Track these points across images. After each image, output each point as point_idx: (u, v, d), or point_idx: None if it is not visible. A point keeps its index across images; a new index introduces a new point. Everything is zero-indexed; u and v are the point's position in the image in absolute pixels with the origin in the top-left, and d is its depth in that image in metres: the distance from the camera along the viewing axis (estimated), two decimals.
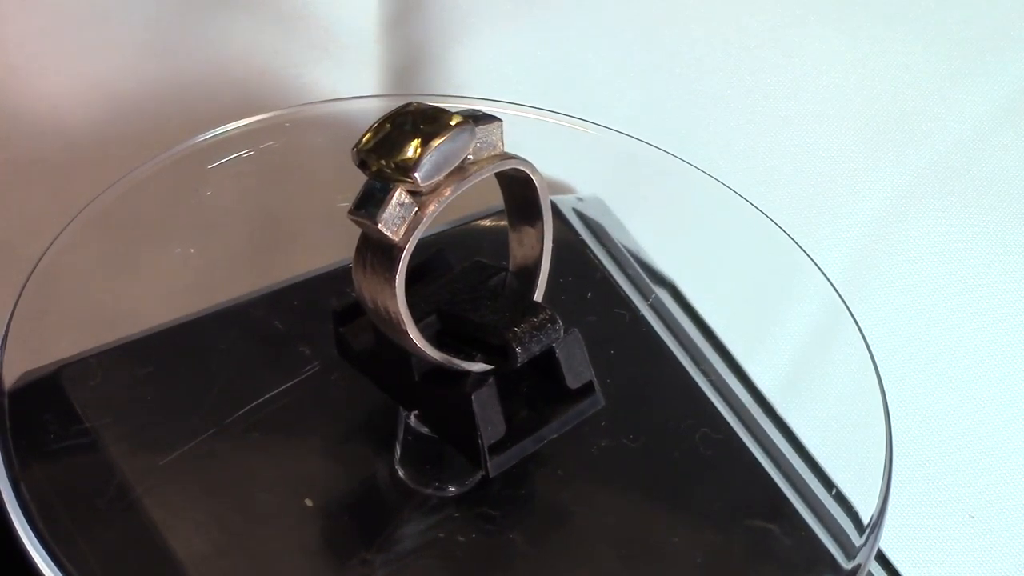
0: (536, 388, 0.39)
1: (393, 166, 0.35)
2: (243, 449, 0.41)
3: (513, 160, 0.37)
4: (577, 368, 0.39)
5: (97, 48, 0.55)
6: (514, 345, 0.37)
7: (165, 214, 0.47)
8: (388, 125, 0.36)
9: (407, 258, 0.36)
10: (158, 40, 0.55)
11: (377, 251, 0.36)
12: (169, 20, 0.55)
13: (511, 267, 0.40)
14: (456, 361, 0.38)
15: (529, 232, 0.39)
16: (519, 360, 0.38)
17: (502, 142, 0.36)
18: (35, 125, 0.53)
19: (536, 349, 0.38)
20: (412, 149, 0.35)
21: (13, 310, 0.41)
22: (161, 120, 0.54)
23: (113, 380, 0.42)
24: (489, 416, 0.38)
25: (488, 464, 0.38)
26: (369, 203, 0.35)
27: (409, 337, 0.37)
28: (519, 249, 0.39)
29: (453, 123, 0.35)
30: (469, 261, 0.40)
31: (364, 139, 0.36)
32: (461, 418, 0.38)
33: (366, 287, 0.37)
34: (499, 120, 0.36)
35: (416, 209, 0.35)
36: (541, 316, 0.38)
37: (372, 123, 0.36)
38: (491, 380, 0.38)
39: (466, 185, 0.36)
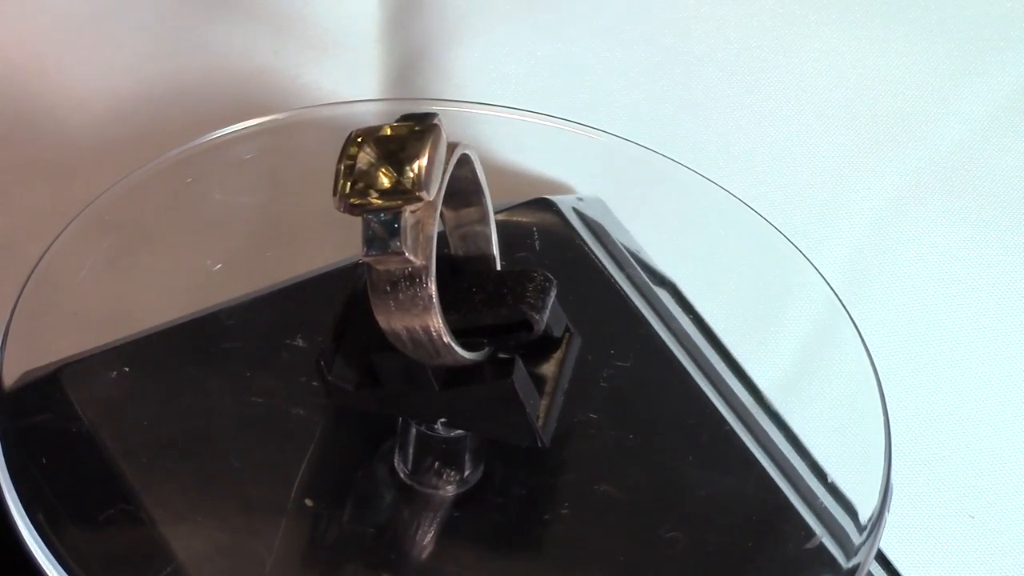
0: (523, 349, 0.39)
1: (385, 194, 0.35)
2: (243, 449, 0.41)
3: (460, 145, 0.37)
4: (558, 317, 0.40)
5: (97, 48, 0.55)
6: (534, 315, 0.38)
7: (165, 214, 0.47)
8: (351, 164, 0.35)
9: (434, 274, 0.35)
10: (158, 40, 0.55)
11: (401, 281, 0.36)
12: (169, 20, 0.55)
13: (454, 250, 0.40)
14: (478, 356, 0.38)
15: (468, 210, 0.39)
16: (541, 329, 0.38)
17: (444, 133, 0.36)
18: (35, 125, 0.53)
19: (547, 312, 0.38)
20: (389, 175, 0.35)
21: (13, 310, 0.41)
22: (161, 121, 0.54)
23: (113, 380, 0.42)
24: (528, 393, 0.38)
25: (541, 436, 0.39)
26: (382, 238, 0.35)
27: (453, 350, 0.37)
28: (458, 230, 0.39)
29: (420, 129, 0.35)
30: None
31: (340, 187, 0.35)
32: (502, 406, 0.38)
33: (398, 320, 0.36)
34: (436, 113, 0.36)
35: (421, 226, 0.35)
36: (537, 279, 0.38)
37: (336, 170, 0.35)
38: (517, 360, 0.38)
39: (444, 185, 0.36)
